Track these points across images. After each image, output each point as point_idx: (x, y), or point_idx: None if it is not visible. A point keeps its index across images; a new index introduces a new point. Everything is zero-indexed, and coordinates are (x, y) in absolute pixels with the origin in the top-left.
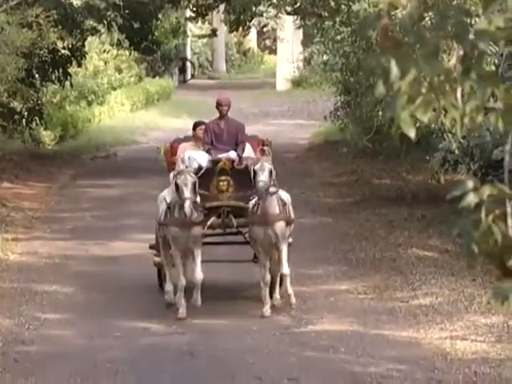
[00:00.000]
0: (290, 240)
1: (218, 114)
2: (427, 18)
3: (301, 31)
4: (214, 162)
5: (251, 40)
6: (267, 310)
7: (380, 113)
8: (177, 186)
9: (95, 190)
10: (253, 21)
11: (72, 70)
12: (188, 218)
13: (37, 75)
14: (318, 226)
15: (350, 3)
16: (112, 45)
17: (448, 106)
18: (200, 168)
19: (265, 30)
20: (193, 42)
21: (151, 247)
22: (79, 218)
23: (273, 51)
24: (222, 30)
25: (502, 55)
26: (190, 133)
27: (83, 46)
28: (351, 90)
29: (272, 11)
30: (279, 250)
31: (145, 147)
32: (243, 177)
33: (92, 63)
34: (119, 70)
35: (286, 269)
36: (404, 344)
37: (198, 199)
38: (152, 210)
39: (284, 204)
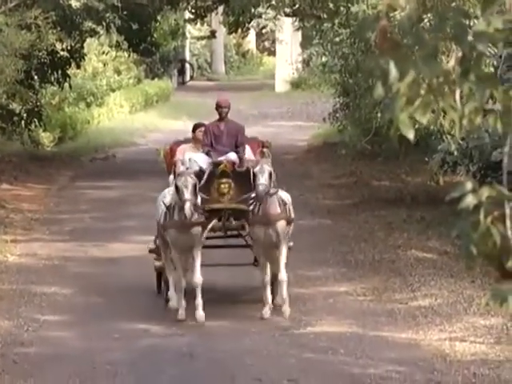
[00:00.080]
0: (291, 244)
1: (217, 116)
2: (426, 20)
3: (300, 33)
4: (215, 165)
5: (250, 42)
6: (267, 311)
7: (379, 114)
8: (177, 187)
9: (94, 191)
10: (252, 22)
11: (71, 71)
12: (188, 220)
13: (36, 77)
14: (317, 227)
15: (349, 5)
16: (111, 46)
17: (447, 108)
18: (201, 171)
19: (264, 31)
20: (192, 44)
21: (151, 251)
22: (78, 220)
23: (272, 53)
24: (221, 31)
25: (500, 57)
26: (190, 135)
27: (82, 47)
28: (350, 91)
29: (271, 13)
30: (279, 250)
31: (144, 149)
32: (244, 179)
33: (91, 65)
34: (118, 72)
35: (283, 275)
36: (403, 345)
37: (199, 201)
38: (151, 212)
39: (284, 204)
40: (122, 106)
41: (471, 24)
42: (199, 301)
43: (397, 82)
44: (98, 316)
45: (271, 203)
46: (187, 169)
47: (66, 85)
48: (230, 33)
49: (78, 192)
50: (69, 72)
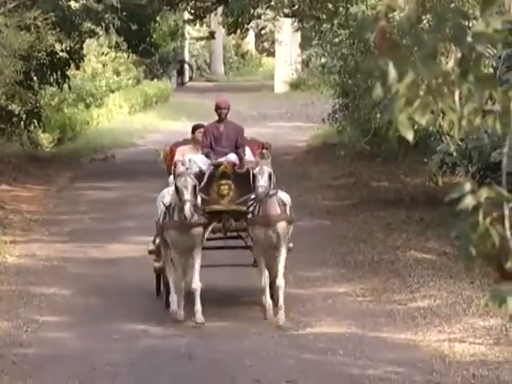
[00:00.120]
0: (291, 245)
1: (216, 117)
2: (425, 21)
3: (299, 34)
4: (215, 166)
5: (249, 42)
6: (269, 312)
7: (378, 115)
8: (177, 188)
9: (93, 192)
10: (251, 23)
11: (70, 72)
12: (188, 221)
13: (35, 78)
14: (316, 228)
15: (348, 6)
16: (110, 47)
17: (446, 109)
18: (201, 172)
19: (263, 32)
20: (191, 45)
21: (151, 252)
22: (77, 221)
23: (271, 54)
24: (220, 32)
25: (499, 58)
26: (189, 136)
27: (81, 48)
28: (349, 92)
29: (270, 14)
30: (279, 252)
31: (143, 150)
32: (244, 181)
33: (90, 66)
34: (117, 73)
35: (281, 280)
36: (402, 346)
37: (199, 201)
38: (150, 213)
39: (284, 205)
40: (121, 106)
41: (470, 25)
42: (198, 307)
43: (396, 82)
44: (97, 317)
45: (271, 204)
46: (187, 169)
47: (66, 86)
48: (229, 34)
49: (77, 193)
50: (68, 73)
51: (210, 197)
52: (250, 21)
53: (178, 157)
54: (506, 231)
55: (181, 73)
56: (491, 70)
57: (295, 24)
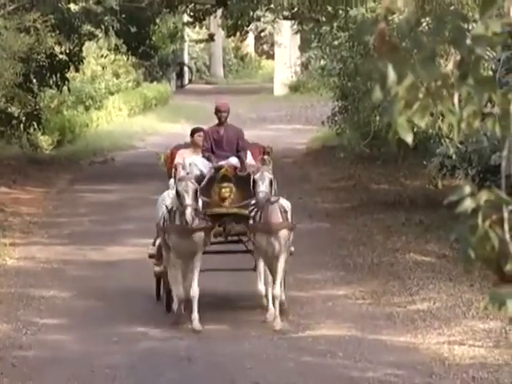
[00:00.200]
0: (292, 249)
1: (216, 120)
2: (424, 23)
3: (298, 36)
4: (216, 169)
5: (249, 45)
6: (271, 315)
7: (377, 118)
8: (178, 192)
9: (93, 194)
10: (250, 26)
11: (70, 74)
12: (189, 226)
13: (34, 80)
14: (316, 231)
15: (348, 8)
16: (109, 50)
17: (445, 112)
18: (202, 175)
19: (262, 34)
20: (190, 47)
21: (151, 256)
22: (77, 223)
23: (270, 56)
24: (220, 34)
25: (499, 60)
26: (189, 139)
27: (81, 50)
28: (349, 95)
29: (269, 16)
30: (278, 259)
31: (142, 152)
32: (245, 184)
33: (89, 68)
34: (117, 75)
35: (277, 289)
36: (402, 349)
37: (200, 205)
38: (150, 215)
39: (285, 212)
40: (120, 109)
41: (470, 27)
42: (195, 315)
43: (395, 85)
44: (96, 319)
45: (272, 211)
46: (188, 174)
47: (65, 88)
48: (228, 36)
49: (76, 195)
50: (67, 75)
51: (211, 200)
52: (250, 23)
53: (178, 160)
54: (506, 234)
55: (180, 75)
56: (490, 73)
57: (295, 26)
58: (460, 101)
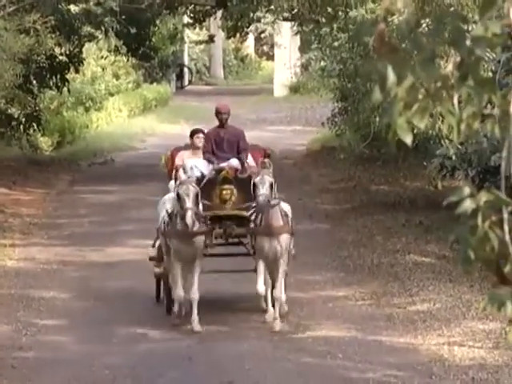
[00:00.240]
0: (293, 252)
1: (216, 122)
2: (424, 24)
3: (298, 37)
4: (217, 171)
5: (249, 46)
6: (270, 316)
7: (377, 119)
8: (179, 196)
9: (93, 195)
10: (250, 27)
11: (70, 76)
12: (190, 229)
13: (34, 81)
14: (316, 232)
15: (348, 9)
16: (109, 51)
17: (445, 113)
18: (203, 176)
19: (262, 36)
20: (190, 48)
21: (151, 259)
22: (77, 224)
23: (270, 57)
24: (220, 36)
25: (498, 61)
26: (188, 140)
27: (81, 52)
28: (348, 96)
29: (269, 17)
30: (279, 263)
31: (142, 153)
32: (246, 186)
33: (89, 69)
34: (117, 76)
35: (278, 291)
36: (402, 350)
37: (201, 209)
38: (150, 216)
39: (286, 215)
40: (120, 110)
41: (469, 29)
42: (195, 316)
43: (395, 86)
44: (96, 320)
45: (273, 214)
46: (189, 177)
47: (65, 89)
48: (228, 37)
49: (76, 196)
50: (67, 76)
51: (212, 202)
52: (250, 24)
53: (177, 162)
54: (505, 235)
55: (180, 76)
56: (490, 74)
57: (295, 28)
58: (460, 102)
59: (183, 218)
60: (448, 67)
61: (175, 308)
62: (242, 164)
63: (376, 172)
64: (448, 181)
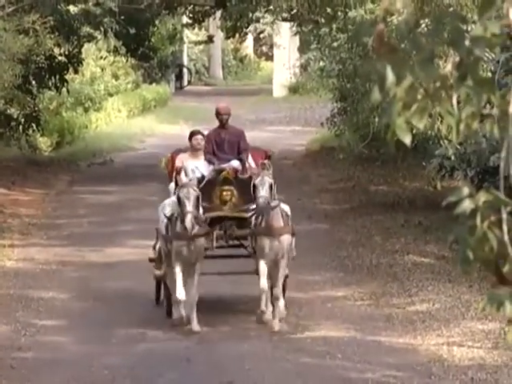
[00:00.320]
0: (294, 253)
1: (216, 123)
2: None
3: (297, 38)
4: (218, 172)
5: (248, 46)
6: (269, 316)
7: (376, 119)
8: (179, 199)
9: (92, 196)
10: (249, 27)
11: (69, 76)
12: (189, 233)
13: (33, 82)
14: (315, 232)
15: (347, 10)
16: (109, 51)
17: (444, 113)
18: (203, 179)
19: (261, 36)
20: (189, 49)
21: (151, 260)
22: (76, 225)
23: (269, 58)
24: (219, 36)
25: (497, 62)
26: (187, 141)
27: (80, 52)
28: (348, 96)
29: (268, 18)
30: (279, 263)
31: (141, 154)
32: (247, 187)
33: (89, 70)
34: (116, 77)
35: (278, 292)
36: (401, 350)
37: (201, 213)
38: (149, 216)
39: (287, 216)
40: (119, 110)
41: (468, 29)
42: (194, 316)
43: (394, 86)
44: (95, 321)
45: (274, 215)
46: (190, 180)
47: (64, 90)
48: (227, 38)
49: (75, 197)
50: (67, 77)
51: (213, 203)
52: (249, 25)
53: (178, 164)
54: (504, 235)
55: (179, 77)
56: (489, 74)
57: (294, 28)
58: (459, 102)
59: (183, 221)
60: (447, 67)
61: (174, 309)
62: (243, 165)
63: (375, 172)
64: (447, 181)
